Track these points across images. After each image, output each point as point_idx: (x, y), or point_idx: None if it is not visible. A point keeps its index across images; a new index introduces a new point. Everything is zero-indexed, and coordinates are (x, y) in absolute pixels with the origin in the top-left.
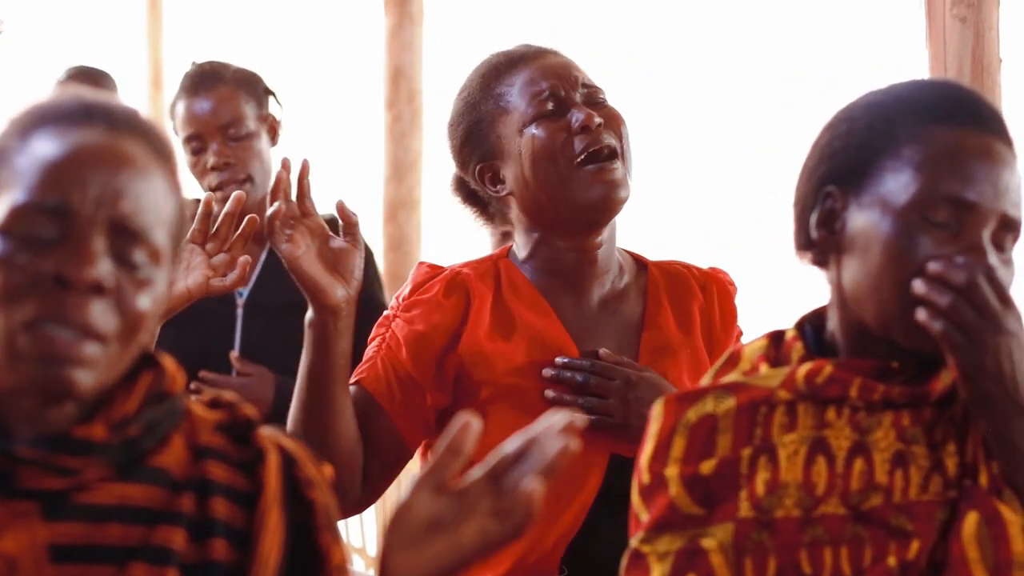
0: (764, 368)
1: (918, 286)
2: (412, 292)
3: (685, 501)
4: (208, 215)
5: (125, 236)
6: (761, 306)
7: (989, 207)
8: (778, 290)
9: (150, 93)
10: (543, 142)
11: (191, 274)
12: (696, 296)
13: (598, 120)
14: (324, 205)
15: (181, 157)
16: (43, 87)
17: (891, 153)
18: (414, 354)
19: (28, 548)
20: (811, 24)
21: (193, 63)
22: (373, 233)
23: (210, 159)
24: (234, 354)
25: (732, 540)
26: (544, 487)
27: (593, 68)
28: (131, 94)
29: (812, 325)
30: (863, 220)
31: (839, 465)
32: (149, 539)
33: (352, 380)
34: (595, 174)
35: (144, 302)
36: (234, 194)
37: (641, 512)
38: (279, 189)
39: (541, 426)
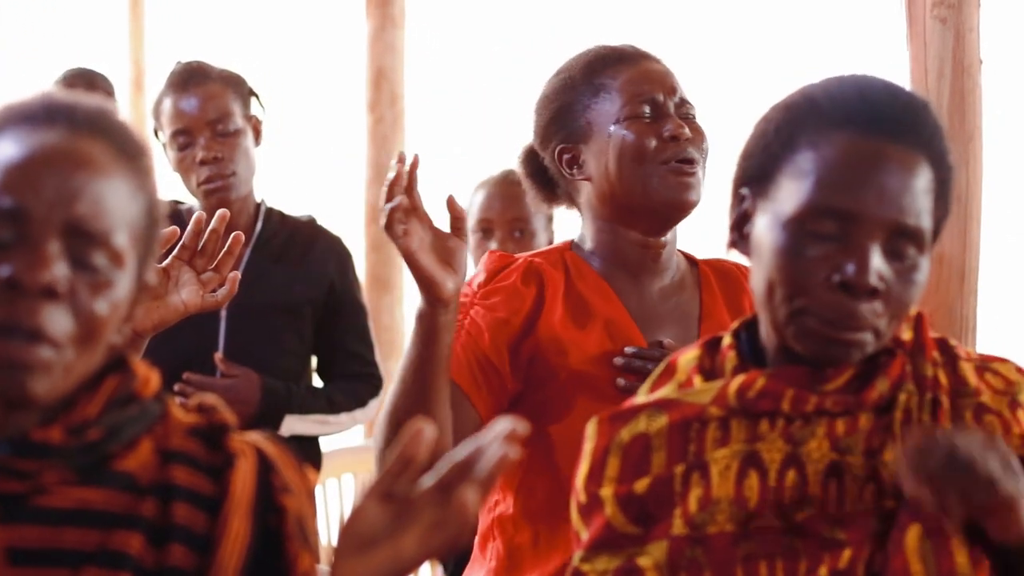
0: (697, 380)
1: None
2: (488, 280)
3: (620, 520)
4: (198, 233)
5: (82, 238)
6: None
7: (876, 216)
8: None
9: (131, 95)
10: (633, 142)
11: (183, 289)
12: (746, 291)
13: (687, 133)
14: (305, 207)
15: (159, 157)
16: (25, 88)
17: (788, 159)
18: (495, 340)
19: None
20: (789, 25)
21: (179, 62)
22: (355, 235)
23: (199, 153)
24: (218, 355)
25: (667, 558)
26: (482, 496)
27: None
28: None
29: (747, 331)
30: (762, 227)
31: (771, 478)
32: (106, 543)
33: None
34: (675, 174)
35: (101, 306)
36: (219, 212)
37: (580, 530)
38: (398, 182)
39: (488, 435)
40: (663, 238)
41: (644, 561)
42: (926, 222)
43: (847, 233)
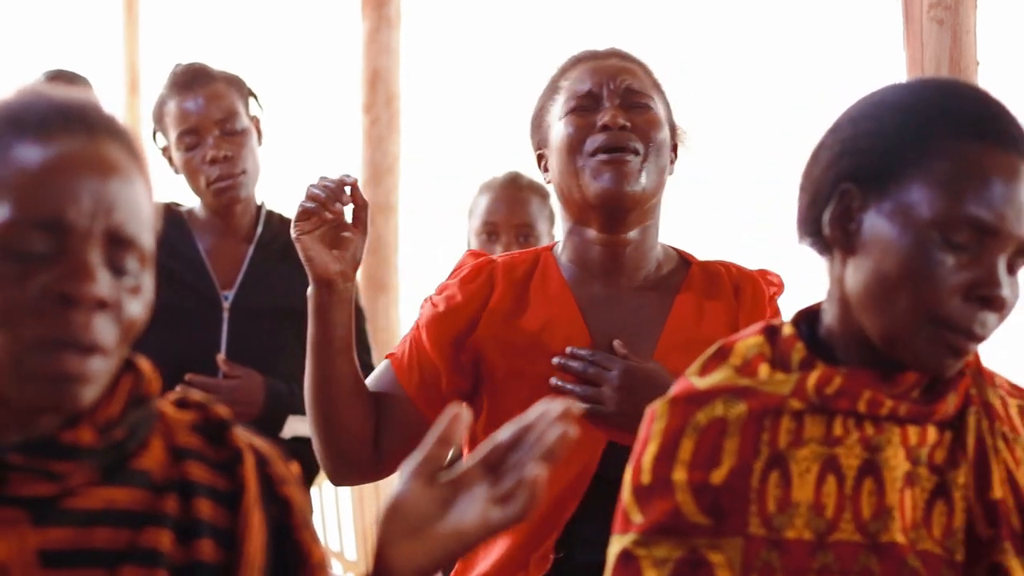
0: (764, 369)
1: None
2: (450, 276)
3: (692, 509)
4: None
5: (118, 245)
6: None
7: (1010, 232)
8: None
9: (127, 98)
10: (568, 134)
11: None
12: (726, 295)
13: (622, 121)
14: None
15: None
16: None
17: (920, 165)
18: (433, 336)
19: (18, 555)
20: (787, 26)
21: (178, 64)
22: None
23: (209, 152)
24: (221, 356)
25: (741, 557)
26: (546, 473)
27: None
28: (108, 99)
29: (808, 322)
30: (882, 227)
31: (848, 486)
32: (137, 542)
33: (387, 355)
34: (604, 162)
35: (138, 309)
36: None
37: (633, 512)
38: (334, 197)
39: (535, 414)
40: (627, 236)
41: (715, 557)
42: None
43: (982, 245)
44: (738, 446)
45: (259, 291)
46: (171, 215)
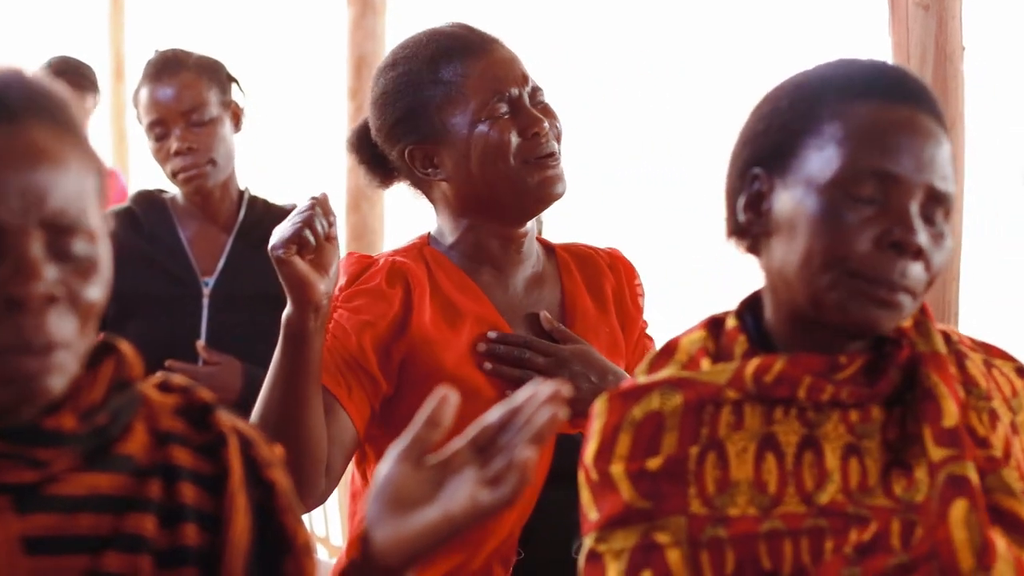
0: (705, 363)
1: None
2: (349, 282)
3: (633, 496)
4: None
5: (60, 232)
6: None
7: (914, 180)
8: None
9: (112, 84)
10: (496, 141)
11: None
12: (607, 275)
13: (546, 128)
14: (285, 194)
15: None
16: None
17: (813, 131)
18: (362, 342)
19: (2, 541)
20: (774, 11)
21: (156, 51)
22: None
23: (173, 144)
24: (200, 343)
25: (687, 534)
26: (535, 455)
27: (545, 62)
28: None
29: (751, 313)
30: (789, 200)
31: (789, 461)
32: (120, 527)
33: None
34: (539, 169)
35: (94, 291)
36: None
37: (590, 511)
38: (317, 222)
39: (523, 396)
40: (524, 228)
41: (662, 537)
42: (952, 188)
43: (887, 196)
44: (676, 439)
45: (240, 278)
46: (154, 202)
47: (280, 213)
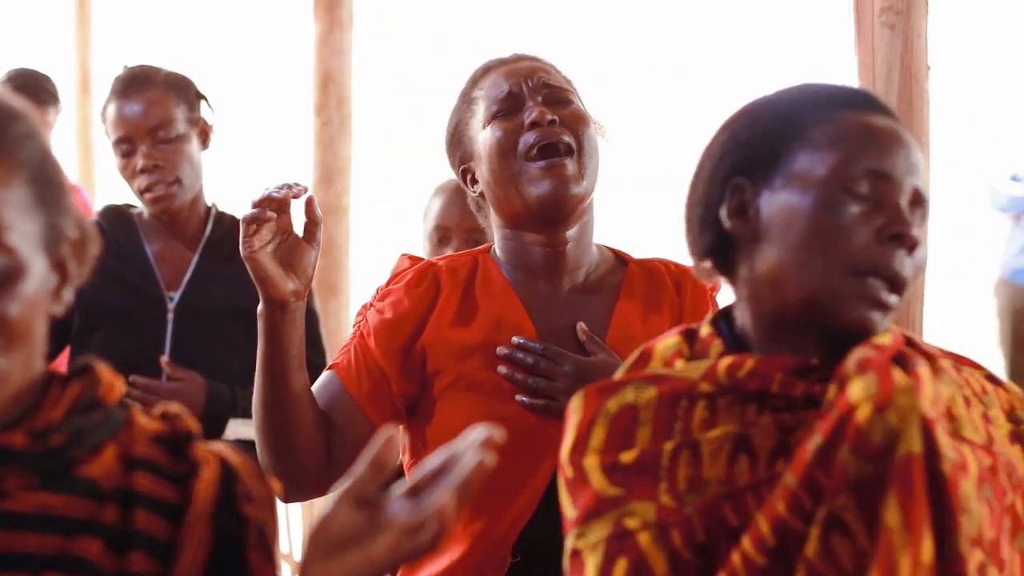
0: (680, 363)
1: None
2: (388, 282)
3: (604, 484)
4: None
5: None
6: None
7: (904, 180)
8: None
9: (78, 98)
10: (497, 139)
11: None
12: (668, 292)
13: (550, 116)
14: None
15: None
16: None
17: (801, 136)
18: (382, 343)
19: None
20: (740, 30)
21: (124, 67)
22: None
23: (139, 161)
24: (164, 359)
25: (655, 518)
26: (458, 503)
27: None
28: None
29: (725, 322)
30: (780, 201)
31: (761, 465)
32: (66, 549)
33: (328, 365)
34: (544, 169)
35: (12, 307)
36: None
37: (568, 509)
38: (274, 204)
39: (464, 442)
40: (565, 234)
41: (631, 522)
42: (930, 196)
43: (881, 193)
44: (650, 433)
45: (205, 292)
46: (120, 216)
47: None
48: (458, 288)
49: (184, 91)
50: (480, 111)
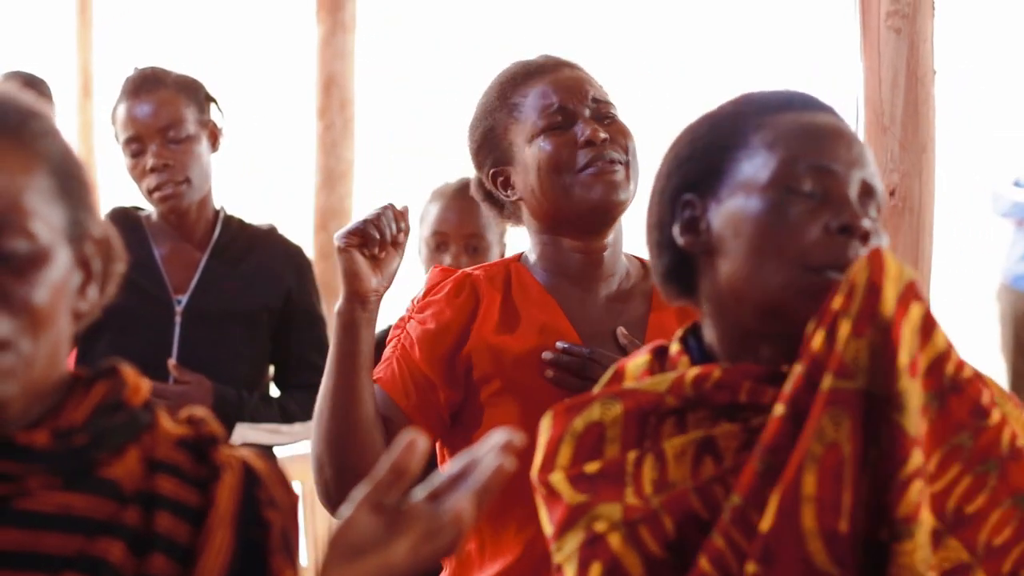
0: (648, 380)
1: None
2: (425, 294)
3: (570, 493)
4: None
5: None
6: None
7: (849, 173)
8: None
9: (79, 101)
10: (549, 154)
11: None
12: None
13: (603, 135)
14: (254, 213)
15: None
16: None
17: (740, 144)
18: (427, 353)
19: None
20: (747, 36)
21: (135, 68)
22: (304, 242)
23: (149, 161)
24: (172, 361)
25: (622, 518)
26: (477, 507)
27: None
28: (60, 101)
29: (695, 337)
30: (728, 210)
31: (727, 460)
32: (86, 549)
33: (373, 379)
34: (595, 176)
35: (36, 293)
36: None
37: (547, 526)
38: (390, 225)
39: (484, 447)
40: (604, 241)
41: (600, 525)
42: (881, 186)
43: (826, 189)
44: (619, 450)
45: (212, 296)
46: (128, 219)
47: (255, 232)
48: (497, 296)
49: (195, 93)
50: (526, 120)
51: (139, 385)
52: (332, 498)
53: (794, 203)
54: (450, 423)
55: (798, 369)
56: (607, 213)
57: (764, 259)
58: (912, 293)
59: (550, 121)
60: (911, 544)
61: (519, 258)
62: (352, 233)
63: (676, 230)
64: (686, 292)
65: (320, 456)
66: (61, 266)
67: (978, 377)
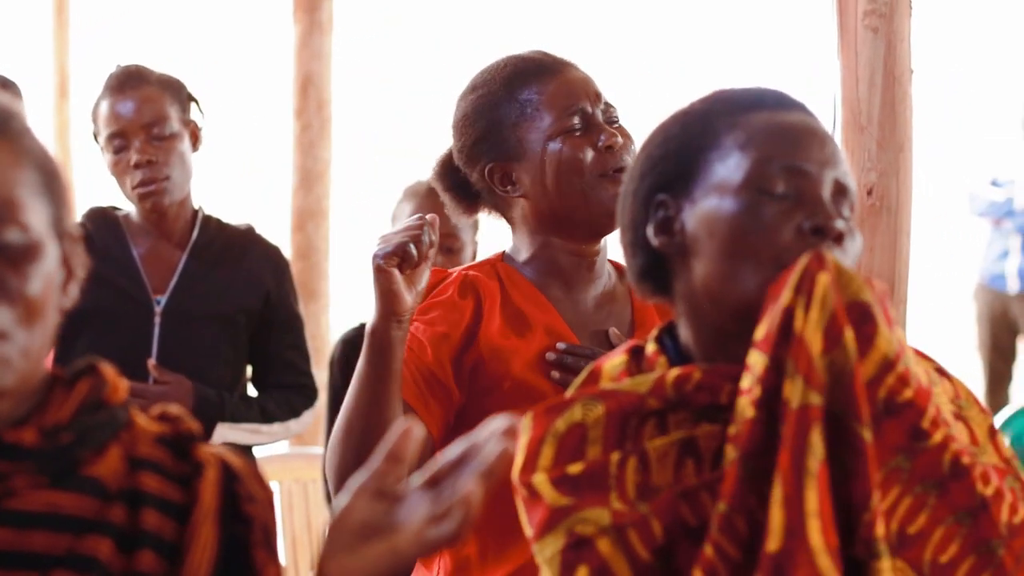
0: (627, 381)
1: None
2: (424, 295)
3: (554, 496)
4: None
5: None
6: None
7: (821, 173)
8: None
9: (56, 101)
10: (570, 156)
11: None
12: None
13: (620, 141)
14: (231, 213)
15: (99, 160)
16: None
17: (712, 145)
18: (438, 354)
19: None
20: (723, 34)
21: (117, 65)
22: (281, 242)
23: (133, 157)
24: (151, 362)
25: (610, 522)
26: (480, 491)
27: None
28: (37, 102)
29: (671, 337)
30: (702, 211)
31: (708, 463)
32: (75, 548)
33: None
34: (613, 182)
35: (31, 284)
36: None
37: (527, 530)
38: (424, 239)
39: (484, 432)
40: (599, 245)
41: (587, 528)
42: (854, 185)
43: (799, 189)
44: (600, 452)
45: (192, 296)
46: (106, 219)
47: (233, 233)
48: (496, 298)
49: (177, 92)
50: (540, 118)
51: (118, 383)
52: None
53: (767, 204)
54: (453, 424)
55: (758, 367)
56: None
57: (739, 261)
58: (857, 313)
59: (569, 123)
60: (888, 562)
61: (503, 257)
62: (393, 254)
63: (650, 231)
64: (661, 291)
65: (345, 474)
66: (51, 260)
67: (946, 381)
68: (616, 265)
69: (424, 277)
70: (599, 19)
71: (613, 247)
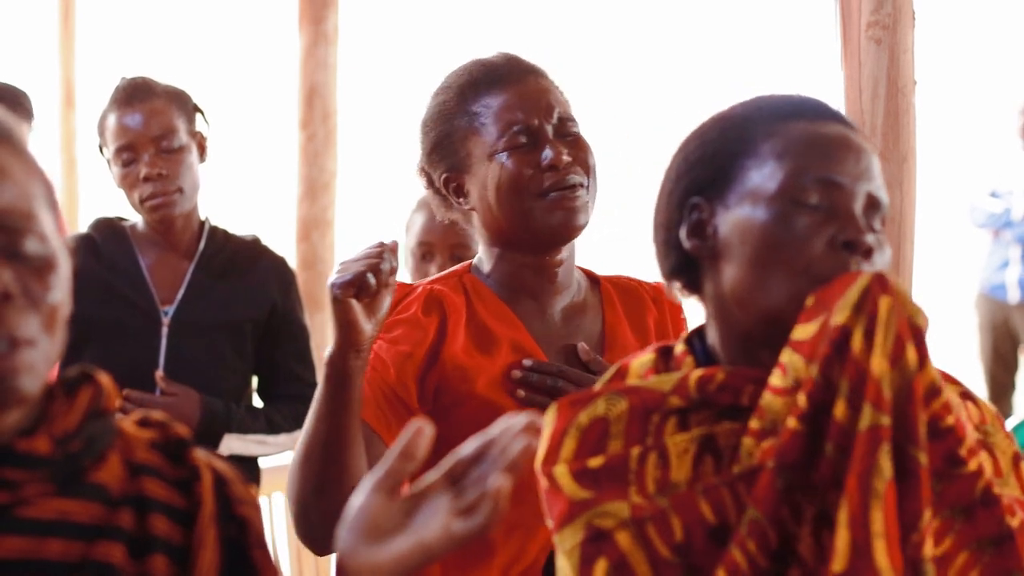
0: (653, 378)
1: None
2: (388, 312)
3: (574, 488)
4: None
5: (8, 232)
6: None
7: (855, 186)
8: None
9: (62, 112)
10: (511, 174)
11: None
12: (650, 309)
13: (567, 159)
14: (236, 224)
15: (105, 172)
16: None
17: (750, 152)
18: (401, 374)
19: None
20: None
21: (123, 78)
22: (286, 253)
23: (143, 170)
24: (159, 373)
25: (630, 516)
26: (510, 484)
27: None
28: (43, 112)
29: (700, 339)
30: (735, 218)
31: (726, 461)
32: (89, 554)
33: None
34: (557, 201)
35: (54, 292)
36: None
37: (548, 521)
38: (383, 266)
39: (499, 428)
40: (558, 257)
41: (607, 522)
42: (887, 198)
43: (832, 202)
44: (622, 446)
45: (199, 307)
46: (113, 230)
47: (240, 244)
48: (462, 313)
49: (184, 103)
50: (486, 132)
51: (113, 391)
52: (319, 540)
53: (800, 215)
54: None
55: (799, 372)
56: (565, 238)
57: (768, 269)
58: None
59: (514, 139)
60: None
61: (470, 268)
62: (350, 284)
63: (683, 232)
64: (691, 290)
65: (304, 500)
66: (65, 270)
67: (972, 405)
68: (588, 273)
69: (385, 304)
70: (603, 32)
71: (581, 255)
